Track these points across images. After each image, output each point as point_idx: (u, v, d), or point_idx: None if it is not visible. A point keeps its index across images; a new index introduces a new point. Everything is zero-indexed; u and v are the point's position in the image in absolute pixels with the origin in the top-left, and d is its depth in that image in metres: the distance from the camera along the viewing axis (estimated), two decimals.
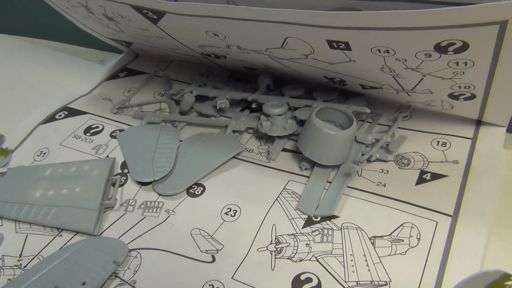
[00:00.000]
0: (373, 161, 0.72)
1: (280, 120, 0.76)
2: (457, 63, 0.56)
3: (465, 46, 0.52)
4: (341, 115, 0.71)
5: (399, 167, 0.71)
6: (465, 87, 0.63)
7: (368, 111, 0.74)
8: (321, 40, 0.58)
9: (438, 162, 0.71)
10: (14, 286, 0.61)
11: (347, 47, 0.58)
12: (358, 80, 0.71)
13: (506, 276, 0.40)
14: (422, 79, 0.63)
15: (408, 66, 0.60)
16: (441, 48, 0.53)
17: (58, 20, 1.01)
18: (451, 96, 0.67)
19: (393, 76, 0.65)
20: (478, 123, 0.76)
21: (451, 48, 0.53)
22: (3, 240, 0.68)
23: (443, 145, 0.74)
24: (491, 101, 0.67)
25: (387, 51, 0.57)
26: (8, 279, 0.62)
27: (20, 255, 0.66)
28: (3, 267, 0.65)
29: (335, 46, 0.58)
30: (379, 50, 0.57)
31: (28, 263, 0.64)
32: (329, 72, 0.72)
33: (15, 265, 0.65)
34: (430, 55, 0.55)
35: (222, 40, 0.71)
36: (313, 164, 0.72)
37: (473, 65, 0.56)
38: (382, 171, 0.71)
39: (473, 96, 0.65)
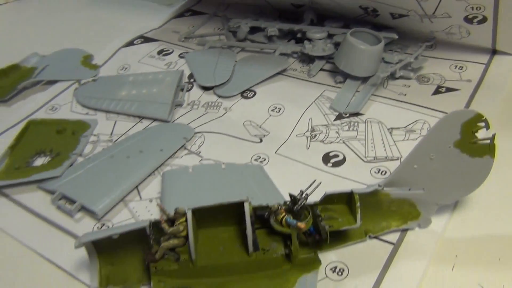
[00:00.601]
0: (397, 78, 0.86)
1: (321, 44, 0.91)
2: None
3: None
4: (372, 37, 0.85)
5: (419, 83, 0.85)
6: (477, 8, 0.75)
7: (396, 36, 0.88)
8: None
9: (453, 80, 0.84)
10: (108, 151, 0.79)
11: None
12: (387, 7, 0.85)
13: (478, 116, 0.53)
14: (440, 1, 0.76)
15: None
16: None
17: None
18: (466, 19, 0.79)
19: (416, 0, 0.78)
20: (493, 53, 0.88)
21: None
22: (97, 125, 0.87)
23: (460, 68, 0.87)
24: (500, 27, 0.79)
25: None
26: (103, 148, 0.81)
27: (111, 133, 0.85)
28: (98, 141, 0.83)
29: None
30: None
31: (117, 139, 0.83)
32: (363, 1, 0.86)
33: (108, 140, 0.83)
34: None
35: None
36: (346, 78, 0.87)
37: None
38: (405, 85, 0.85)
39: (484, 19, 0.78)
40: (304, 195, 0.56)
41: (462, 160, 0.55)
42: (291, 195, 0.56)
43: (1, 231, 0.70)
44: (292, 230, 0.55)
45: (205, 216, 0.58)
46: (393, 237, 0.61)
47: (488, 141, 0.54)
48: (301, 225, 0.54)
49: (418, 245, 0.60)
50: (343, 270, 0.58)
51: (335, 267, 0.59)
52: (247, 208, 0.55)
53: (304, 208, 0.57)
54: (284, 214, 0.56)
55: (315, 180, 0.57)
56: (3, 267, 0.65)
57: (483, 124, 0.53)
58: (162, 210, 0.57)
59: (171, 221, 0.57)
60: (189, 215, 0.55)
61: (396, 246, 0.60)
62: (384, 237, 0.61)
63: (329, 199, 0.58)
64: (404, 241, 0.60)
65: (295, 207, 0.55)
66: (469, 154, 0.55)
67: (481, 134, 0.54)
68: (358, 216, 0.56)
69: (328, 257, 0.60)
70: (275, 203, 0.56)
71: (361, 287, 0.56)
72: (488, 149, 0.55)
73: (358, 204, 0.56)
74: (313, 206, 0.59)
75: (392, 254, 0.59)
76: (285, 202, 0.57)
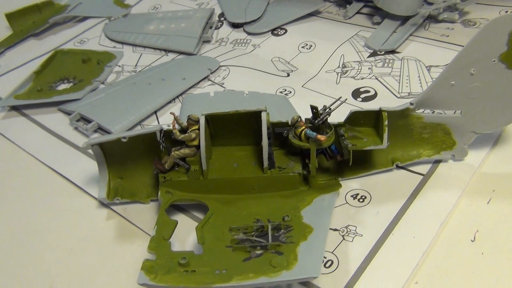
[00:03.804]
0: (440, 21, 0.79)
1: None
2: None
3: None
4: None
5: (464, 27, 0.78)
6: None
7: None
8: None
9: None
10: (131, 79, 0.77)
11: None
12: None
13: None
14: None
15: None
16: None
17: None
18: None
19: None
20: None
21: None
22: (122, 56, 0.85)
23: None
24: None
25: None
26: (126, 77, 0.79)
27: (136, 65, 0.82)
28: (122, 71, 0.81)
29: None
30: None
31: (141, 70, 0.81)
32: None
33: (132, 71, 0.81)
34: None
35: None
36: (384, 18, 0.81)
37: None
38: (448, 28, 0.78)
39: None
40: (327, 109, 0.51)
41: (507, 78, 0.49)
42: (312, 107, 0.51)
43: (17, 147, 0.70)
44: (311, 144, 0.51)
45: (221, 131, 0.55)
46: (423, 168, 0.56)
47: None
48: (322, 137, 0.49)
49: (451, 178, 0.54)
50: (365, 198, 0.53)
51: (357, 194, 0.54)
52: (264, 117, 0.51)
53: (327, 126, 0.52)
54: (303, 127, 0.51)
55: (340, 97, 0.53)
56: (18, 180, 0.65)
57: None
58: (175, 118, 0.54)
59: (184, 131, 0.54)
60: (202, 120, 0.52)
61: (426, 177, 0.55)
62: (413, 168, 0.56)
63: (355, 118, 0.54)
64: (436, 173, 0.55)
65: (316, 121, 0.51)
66: None
67: None
68: (385, 135, 0.51)
69: (350, 185, 0.55)
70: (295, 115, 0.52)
71: (383, 214, 0.51)
72: None
73: (385, 122, 0.51)
74: (337, 126, 0.54)
75: (420, 185, 0.54)
76: (306, 119, 0.53)
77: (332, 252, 0.48)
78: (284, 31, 0.84)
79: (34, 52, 0.90)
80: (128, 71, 0.81)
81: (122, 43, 0.89)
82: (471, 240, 0.48)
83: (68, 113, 0.72)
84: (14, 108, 0.76)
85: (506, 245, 0.47)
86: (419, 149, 0.55)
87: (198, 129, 0.53)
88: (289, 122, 0.53)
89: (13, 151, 0.69)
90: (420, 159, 0.55)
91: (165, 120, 0.69)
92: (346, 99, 0.53)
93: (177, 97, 0.73)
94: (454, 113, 0.53)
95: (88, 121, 0.70)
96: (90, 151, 0.63)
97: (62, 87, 0.79)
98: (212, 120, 0.53)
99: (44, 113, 0.74)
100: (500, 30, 0.47)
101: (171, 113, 0.55)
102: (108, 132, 0.67)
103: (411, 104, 0.52)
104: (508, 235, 0.48)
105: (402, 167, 0.56)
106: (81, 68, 0.82)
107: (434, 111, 0.55)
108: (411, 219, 0.50)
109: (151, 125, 0.69)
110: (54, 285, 0.49)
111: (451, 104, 0.52)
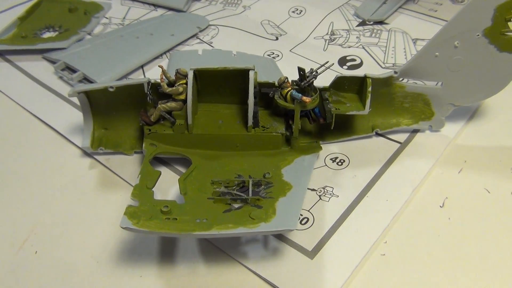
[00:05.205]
0: None
1: None
2: None
3: None
4: None
5: (452, 3, 0.79)
6: None
7: None
8: None
9: None
10: (118, 31, 0.76)
11: None
12: None
13: None
14: None
15: None
16: None
17: None
18: None
19: None
20: None
21: None
22: (110, 8, 0.84)
23: None
24: None
25: None
26: (113, 30, 0.78)
27: (123, 18, 0.81)
28: (109, 24, 0.80)
29: None
30: None
31: (129, 24, 0.80)
32: None
33: (119, 23, 0.80)
34: None
35: None
36: None
37: None
38: (437, 3, 0.80)
39: None
40: (314, 73, 0.52)
41: (488, 53, 0.51)
42: (300, 69, 0.52)
43: (0, 93, 0.69)
44: (296, 106, 0.52)
45: (208, 88, 0.55)
46: (401, 137, 0.58)
47: None
48: (306, 99, 0.51)
49: (427, 147, 0.56)
50: (343, 161, 0.55)
51: (336, 158, 0.56)
52: (251, 76, 0.52)
53: (312, 89, 0.53)
54: (289, 88, 0.52)
55: (327, 61, 0.54)
56: (0, 126, 0.64)
57: None
58: (163, 71, 0.54)
59: (171, 85, 0.54)
60: (190, 75, 0.52)
61: (403, 145, 0.57)
62: (391, 136, 0.58)
63: (340, 83, 0.55)
64: (412, 142, 0.57)
65: (302, 83, 0.52)
66: (497, 47, 0.50)
67: None
68: (368, 101, 0.53)
69: (330, 148, 0.57)
70: (282, 76, 0.53)
71: (360, 177, 0.53)
72: None
73: (369, 88, 0.52)
74: (322, 89, 0.55)
75: (397, 152, 0.56)
76: (293, 81, 0.54)
77: (308, 211, 0.50)
78: None
79: None
80: (115, 23, 0.80)
81: None
82: (440, 206, 0.50)
83: (53, 62, 0.72)
84: None
85: (472, 213, 0.50)
86: (399, 118, 0.57)
87: (186, 83, 0.53)
88: (276, 83, 0.54)
89: None
90: (399, 128, 0.57)
91: (152, 75, 0.69)
92: (333, 64, 0.54)
93: (165, 53, 0.73)
94: (436, 84, 0.55)
95: (73, 70, 0.69)
96: (75, 100, 0.63)
97: (47, 35, 0.78)
98: (200, 75, 0.54)
99: (28, 60, 0.73)
100: (486, 4, 0.48)
101: (159, 66, 0.55)
102: (93, 83, 0.67)
103: (395, 72, 0.53)
104: (475, 203, 0.51)
105: (381, 134, 0.58)
106: (67, 17, 0.81)
107: (416, 82, 0.57)
108: (385, 183, 0.52)
109: (137, 78, 0.69)
110: (37, 226, 0.50)
111: (433, 75, 0.53)
